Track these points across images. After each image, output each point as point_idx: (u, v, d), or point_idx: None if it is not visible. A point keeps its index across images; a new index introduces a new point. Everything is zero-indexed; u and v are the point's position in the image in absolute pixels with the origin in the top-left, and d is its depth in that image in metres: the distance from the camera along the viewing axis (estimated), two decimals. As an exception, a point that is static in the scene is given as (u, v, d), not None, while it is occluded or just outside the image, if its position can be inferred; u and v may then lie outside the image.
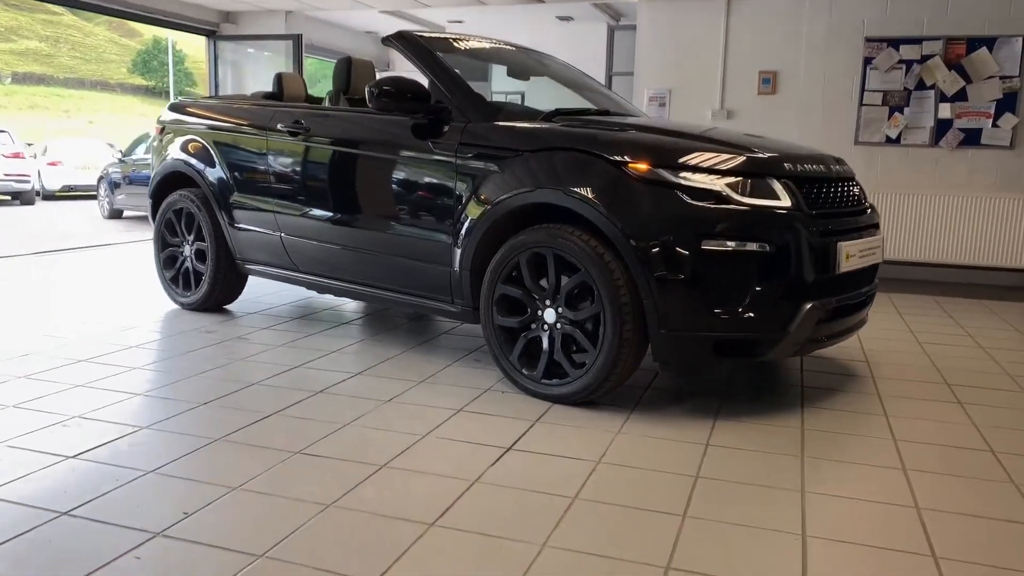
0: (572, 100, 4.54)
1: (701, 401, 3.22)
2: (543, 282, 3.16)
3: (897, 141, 6.83)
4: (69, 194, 17.58)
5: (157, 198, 4.86)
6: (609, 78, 10.11)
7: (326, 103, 4.40)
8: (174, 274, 4.79)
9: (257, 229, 4.28)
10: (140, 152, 12.49)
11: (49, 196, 17.57)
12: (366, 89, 3.48)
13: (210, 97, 4.89)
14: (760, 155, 3.05)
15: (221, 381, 3.33)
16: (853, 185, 3.41)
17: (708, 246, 2.83)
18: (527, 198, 3.12)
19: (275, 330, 4.29)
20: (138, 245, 8.08)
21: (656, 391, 3.34)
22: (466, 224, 3.33)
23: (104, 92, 49.69)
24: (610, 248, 2.94)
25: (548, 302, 3.14)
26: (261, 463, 2.46)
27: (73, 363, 3.56)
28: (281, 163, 4.10)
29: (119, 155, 12.96)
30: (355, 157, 3.79)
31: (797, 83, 7.08)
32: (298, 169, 4.03)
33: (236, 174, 4.34)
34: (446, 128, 3.45)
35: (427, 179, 3.50)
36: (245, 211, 4.31)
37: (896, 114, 6.81)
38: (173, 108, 4.89)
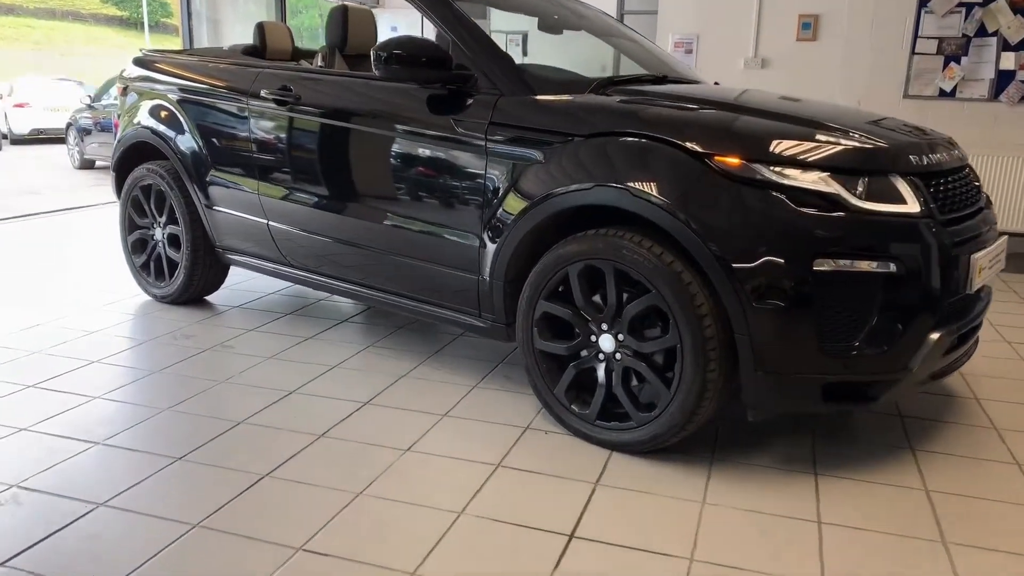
0: (606, 56, 3.85)
1: (790, 442, 2.64)
2: (595, 298, 2.55)
3: (952, 95, 6.15)
4: (39, 137, 16.63)
5: (121, 171, 4.16)
6: (621, 16, 9.27)
7: (318, 61, 3.68)
8: (144, 260, 4.12)
9: (239, 214, 3.61)
10: (112, 96, 11.59)
11: (18, 140, 16.60)
12: (372, 54, 2.78)
13: (182, 51, 4.14)
14: (881, 144, 2.40)
15: (199, 419, 2.72)
16: (972, 175, 2.77)
17: (822, 266, 2.21)
18: (581, 198, 2.47)
19: (265, 333, 3.65)
20: (111, 209, 7.34)
21: (731, 427, 2.76)
22: (500, 224, 2.68)
23: (76, 23, 47.59)
24: (691, 265, 2.31)
25: (605, 326, 2.52)
26: (265, 556, 1.87)
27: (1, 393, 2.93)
28: (266, 137, 3.40)
29: (88, 99, 12.03)
30: (356, 134, 3.10)
31: (841, 28, 6.35)
32: (287, 145, 3.34)
33: (212, 147, 3.64)
34: (469, 101, 2.77)
35: (448, 165, 2.83)
36: (224, 191, 3.63)
37: (952, 64, 6.11)
38: (139, 63, 4.14)
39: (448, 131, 2.79)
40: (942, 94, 6.17)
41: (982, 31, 6.01)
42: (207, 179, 3.68)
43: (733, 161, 2.28)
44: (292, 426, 2.66)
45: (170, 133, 3.80)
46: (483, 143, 2.70)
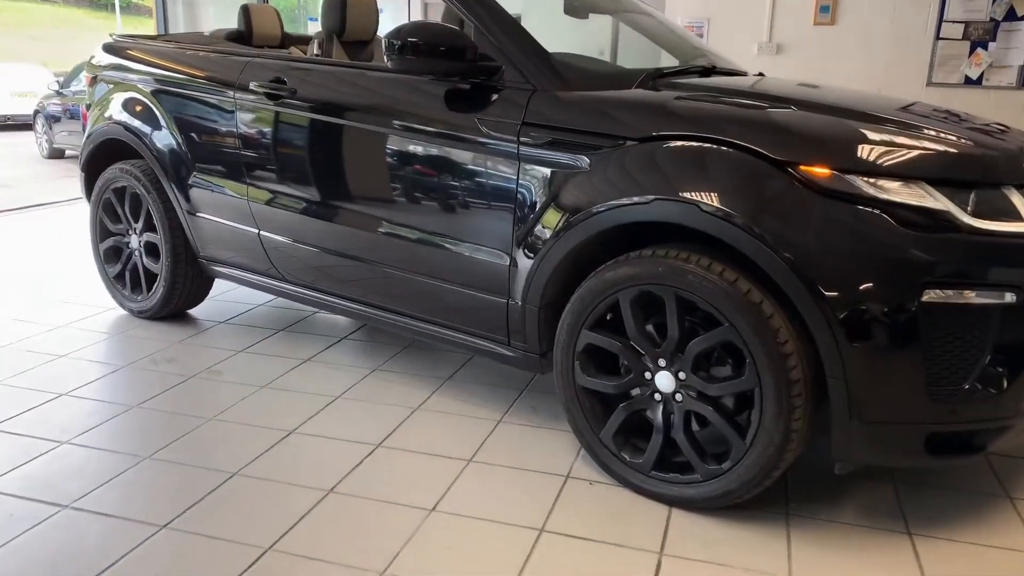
0: (631, 41, 3.47)
1: (869, 491, 2.30)
2: (642, 325, 2.19)
3: (978, 82, 5.83)
4: (6, 124, 15.97)
5: (91, 171, 3.72)
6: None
7: (314, 49, 3.26)
8: (119, 271, 3.70)
9: (225, 221, 3.20)
10: (82, 82, 11.01)
11: (-16, 127, 15.94)
12: (384, 42, 2.38)
13: (158, 36, 3.70)
14: (990, 151, 2.05)
15: (183, 470, 2.33)
16: None
17: (932, 296, 1.86)
18: (637, 213, 2.09)
19: (256, 354, 3.25)
20: (83, 206, 6.85)
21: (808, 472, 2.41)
22: (535, 241, 2.30)
23: (46, 3, 46.21)
24: (772, 294, 1.95)
25: (663, 362, 2.15)
26: None
27: (-26, 434, 2.53)
28: (256, 136, 2.99)
29: (56, 85, 11.44)
30: (361, 133, 2.70)
31: (861, 11, 5.99)
32: (280, 146, 2.93)
33: (194, 146, 3.22)
34: (494, 97, 2.39)
35: (472, 171, 2.44)
36: (208, 196, 3.21)
37: (979, 50, 5.78)
38: (109, 50, 3.70)
39: (472, 132, 2.40)
40: (968, 82, 5.85)
41: (1011, 15, 5.68)
42: (188, 182, 3.26)
43: (822, 171, 1.92)
44: (294, 478, 2.28)
45: (146, 129, 3.37)
46: (515, 147, 2.32)
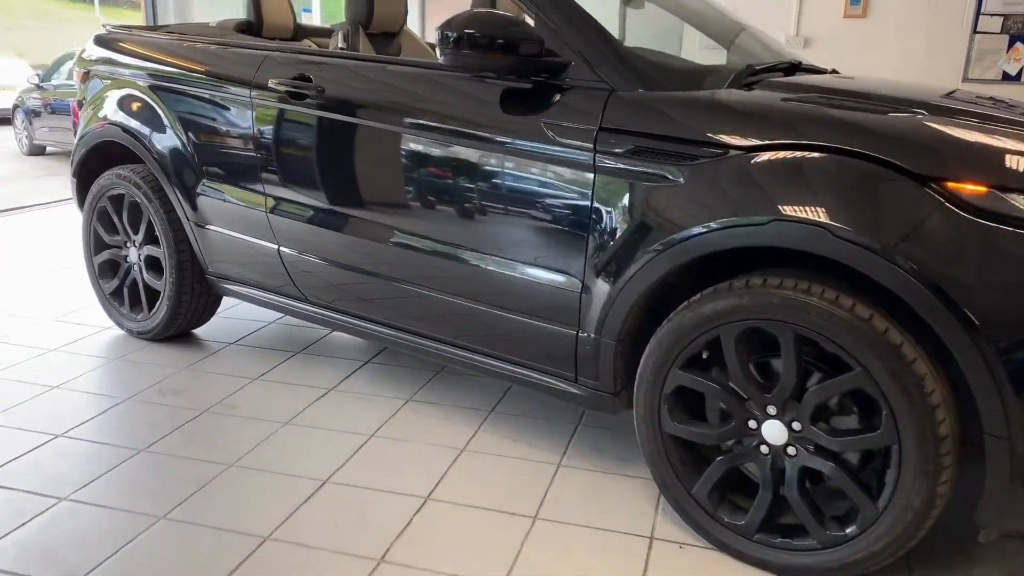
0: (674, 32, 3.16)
1: (1000, 555, 2.00)
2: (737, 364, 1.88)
3: (1017, 78, 5.55)
4: (-15, 119, 15.40)
5: (84, 177, 3.36)
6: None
7: (338, 42, 2.92)
8: (116, 287, 3.35)
9: (239, 235, 2.86)
10: (63, 75, 10.56)
11: (-39, 123, 15.36)
12: (437, 34, 2.05)
13: (157, 28, 3.34)
14: None
15: (203, 534, 1.99)
16: None
17: (1114, 341, 1.56)
18: (749, 236, 1.77)
19: (273, 383, 2.91)
20: (72, 208, 6.45)
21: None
22: (614, 266, 1.98)
23: (22, -4, 45.21)
24: (913, 334, 1.65)
25: (772, 409, 1.84)
26: None
27: (-44, 489, 2.18)
28: (277, 140, 2.65)
29: (36, 79, 10.95)
30: (402, 139, 2.35)
31: (894, 3, 5.70)
32: (306, 152, 2.59)
33: (203, 151, 2.88)
34: (558, 98, 2.06)
35: (536, 183, 2.11)
36: (219, 206, 2.87)
37: (1018, 44, 5.51)
38: (103, 43, 3.33)
39: (536, 138, 2.08)
40: (1006, 77, 5.58)
41: (1053, 7, 5.41)
42: (196, 191, 2.91)
43: (975, 189, 1.61)
44: (340, 544, 1.95)
45: (147, 131, 3.02)
46: (590, 156, 1.99)
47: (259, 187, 2.72)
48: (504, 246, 2.19)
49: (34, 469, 2.29)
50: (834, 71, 2.76)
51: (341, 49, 2.86)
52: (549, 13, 2.11)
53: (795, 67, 2.49)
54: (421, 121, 2.29)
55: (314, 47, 2.92)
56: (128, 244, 3.27)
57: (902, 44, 5.72)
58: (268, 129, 2.65)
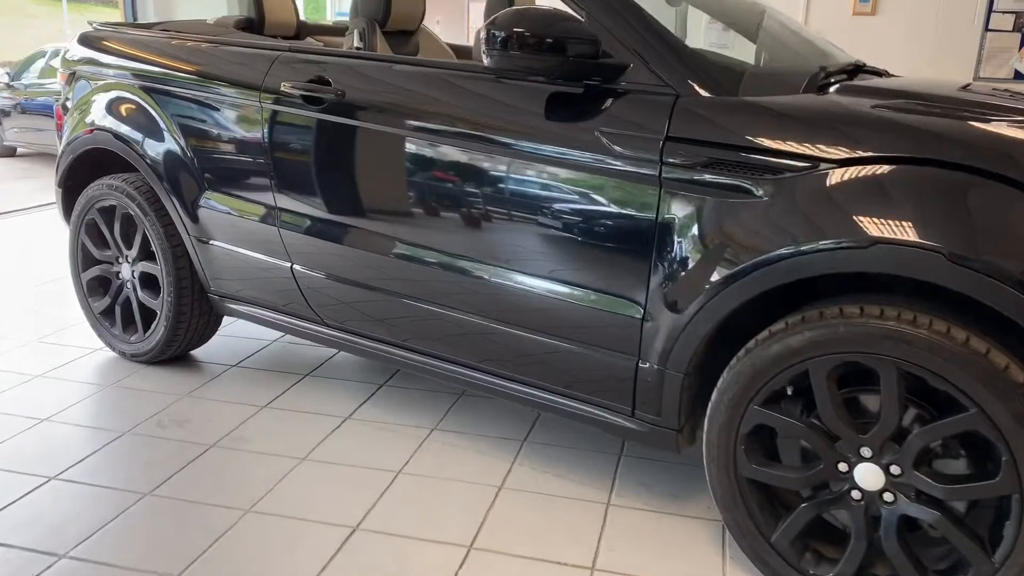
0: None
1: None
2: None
3: (1030, 77, 5.46)
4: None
5: (70, 188, 3.10)
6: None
7: (354, 41, 2.69)
8: (107, 305, 3.09)
9: (247, 252, 2.62)
10: (34, 73, 10.17)
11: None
12: (483, 34, 1.84)
13: (150, 25, 3.08)
14: None
15: (233, 598, 1.77)
16: None
17: None
18: (848, 260, 1.58)
19: (284, 411, 2.68)
20: (51, 216, 6.12)
21: None
22: (683, 292, 1.79)
23: (-15, -9, 44.07)
24: (1037, 373, 1.47)
25: (867, 451, 1.66)
26: None
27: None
28: (291, 149, 2.42)
29: (6, 77, 10.55)
30: (439, 149, 2.13)
31: (905, 1, 5.56)
32: (325, 162, 2.36)
33: (206, 160, 2.64)
34: (609, 103, 1.86)
35: (592, 198, 1.91)
36: (224, 220, 2.63)
37: (1030, 42, 5.41)
38: (88, 42, 3.07)
39: (593, 149, 1.87)
40: (1018, 76, 5.47)
41: (1066, 5, 5.31)
42: (198, 203, 2.67)
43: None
44: (380, 608, 1.74)
45: (141, 138, 2.77)
46: (655, 169, 1.79)
47: (269, 200, 2.49)
48: (555, 267, 1.98)
49: (28, 520, 2.04)
50: (885, 72, 2.58)
51: (358, 49, 2.63)
52: (604, 11, 1.90)
53: (859, 69, 2.30)
54: (456, 130, 2.07)
55: (320, 46, 2.69)
56: (120, 260, 3.02)
57: (912, 42, 5.59)
58: (280, 137, 2.42)
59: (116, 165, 2.95)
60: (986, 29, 5.45)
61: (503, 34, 1.82)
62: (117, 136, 2.83)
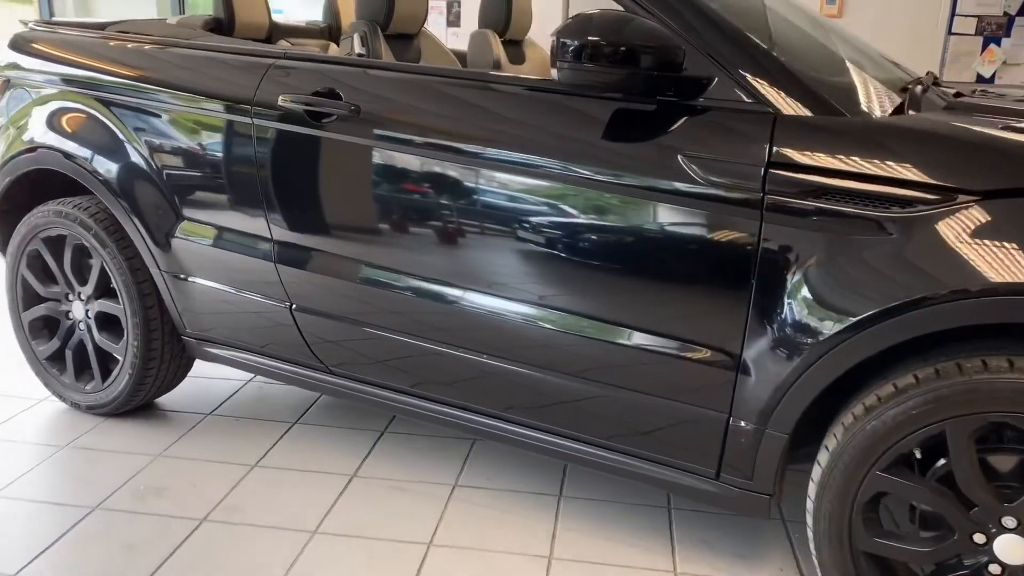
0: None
1: None
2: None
3: (991, 80, 5.47)
4: None
5: (6, 214, 2.66)
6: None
7: (355, 47, 2.36)
8: (55, 350, 2.67)
9: (233, 290, 2.27)
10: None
11: None
12: (555, 43, 1.56)
13: (102, 25, 2.66)
14: None
15: None
16: None
17: None
18: (1011, 309, 1.36)
19: (275, 471, 2.34)
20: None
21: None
22: (792, 339, 1.55)
23: None
24: None
25: (1012, 521, 1.45)
26: None
27: None
28: (288, 173, 2.08)
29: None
30: (483, 175, 1.83)
31: (870, 3, 5.52)
32: (336, 188, 2.04)
33: (181, 185, 2.27)
34: (692, 122, 1.61)
35: (673, 234, 1.65)
36: (206, 254, 2.27)
37: (992, 46, 5.42)
38: (22, 45, 2.63)
39: (675, 176, 1.61)
40: (980, 79, 5.49)
41: (1025, 9, 5.35)
42: (173, 233, 2.30)
43: None
44: None
45: (98, 158, 2.37)
46: (756, 200, 1.55)
47: (263, 230, 2.14)
48: (626, 310, 1.71)
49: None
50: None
51: (360, 55, 2.30)
52: (688, 18, 1.65)
53: (935, 82, 2.12)
54: (504, 154, 1.78)
55: (317, 52, 2.35)
56: (71, 297, 2.60)
57: (877, 44, 5.52)
58: (276, 159, 2.07)
59: (64, 188, 2.54)
60: (949, 32, 5.44)
61: (575, 44, 1.54)
62: (67, 155, 2.42)
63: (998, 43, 5.40)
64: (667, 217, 1.64)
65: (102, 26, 2.60)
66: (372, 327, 2.05)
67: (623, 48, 1.54)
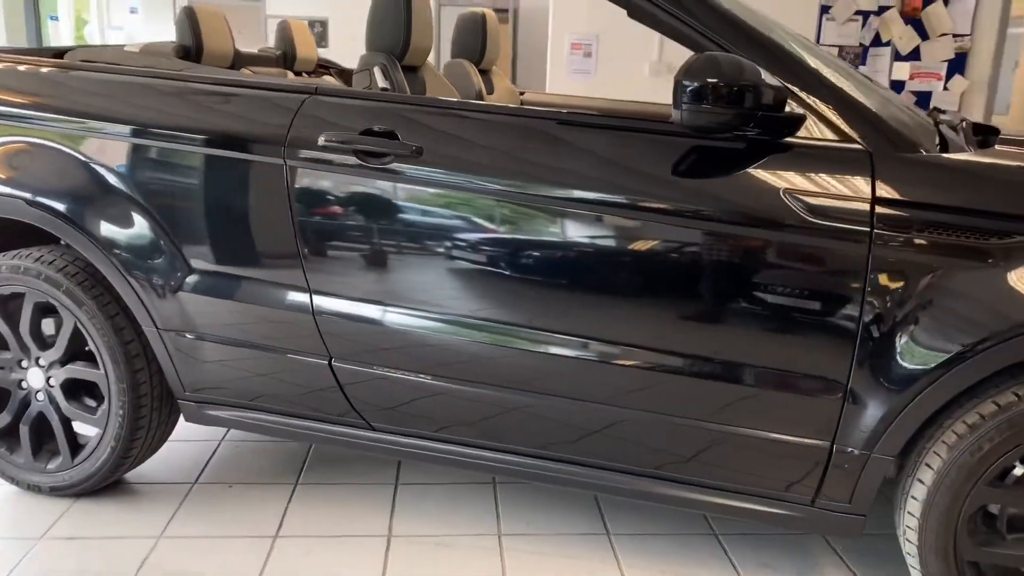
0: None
1: None
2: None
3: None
4: None
5: (-58, 271, 2.28)
6: (439, 6, 8.24)
7: (376, 80, 2.22)
8: (6, 425, 2.31)
9: (260, 346, 2.06)
10: None
11: None
12: (678, 86, 1.55)
13: (60, 51, 2.32)
14: None
15: None
16: None
17: None
18: None
19: (296, 540, 2.15)
20: None
21: None
22: (901, 368, 1.63)
23: None
24: None
25: (1103, 521, 1.60)
26: None
27: None
28: (332, 219, 1.92)
29: None
30: (567, 219, 1.77)
31: (746, 33, 5.92)
32: (394, 235, 1.90)
33: (189, 234, 2.03)
34: (791, 161, 1.67)
35: (779, 270, 1.69)
36: (220, 308, 2.05)
37: (851, 73, 5.98)
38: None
39: (778, 214, 1.65)
40: (842, 104, 6.03)
41: (877, 40, 5.95)
42: (179, 286, 2.05)
43: None
44: None
45: (78, 207, 2.08)
46: (866, 235, 1.61)
47: (299, 281, 1.96)
48: (742, 349, 1.72)
49: None
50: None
51: (384, 90, 2.17)
52: (782, 57, 1.70)
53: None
54: (591, 196, 1.75)
55: (340, 85, 2.20)
56: (25, 363, 2.26)
57: (754, 72, 5.95)
58: (317, 204, 1.91)
59: (20, 238, 2.21)
60: (815, 61, 5.95)
61: (694, 85, 1.55)
62: (32, 203, 2.10)
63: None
64: (771, 254, 1.67)
65: (60, 52, 2.29)
66: (434, 377, 1.93)
67: (739, 89, 1.56)
